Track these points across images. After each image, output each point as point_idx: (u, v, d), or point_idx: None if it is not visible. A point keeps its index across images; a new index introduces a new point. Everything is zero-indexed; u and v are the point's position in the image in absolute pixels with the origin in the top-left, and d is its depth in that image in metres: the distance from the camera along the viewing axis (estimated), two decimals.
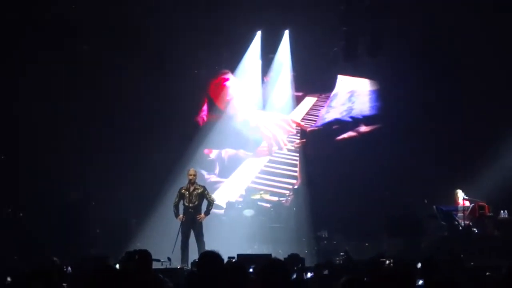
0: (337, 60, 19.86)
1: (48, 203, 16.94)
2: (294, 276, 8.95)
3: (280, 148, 20.41)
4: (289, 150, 20.50)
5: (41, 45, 17.24)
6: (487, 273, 9.00)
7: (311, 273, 10.28)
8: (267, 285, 5.66)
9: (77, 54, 17.94)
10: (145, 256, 7.82)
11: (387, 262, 9.59)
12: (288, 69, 20.33)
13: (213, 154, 20.10)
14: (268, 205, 18.69)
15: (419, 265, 8.90)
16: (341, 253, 14.04)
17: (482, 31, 17.72)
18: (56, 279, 6.99)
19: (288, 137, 20.66)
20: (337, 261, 13.69)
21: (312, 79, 20.55)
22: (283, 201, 18.95)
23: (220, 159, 20.10)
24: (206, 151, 19.96)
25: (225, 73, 20.36)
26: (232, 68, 20.23)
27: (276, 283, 5.63)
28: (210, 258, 6.32)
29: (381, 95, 20.13)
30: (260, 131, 20.42)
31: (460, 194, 16.24)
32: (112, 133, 18.34)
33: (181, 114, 19.29)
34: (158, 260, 12.29)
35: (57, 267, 9.74)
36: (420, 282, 7.38)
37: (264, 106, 20.55)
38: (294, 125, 20.65)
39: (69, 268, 10.43)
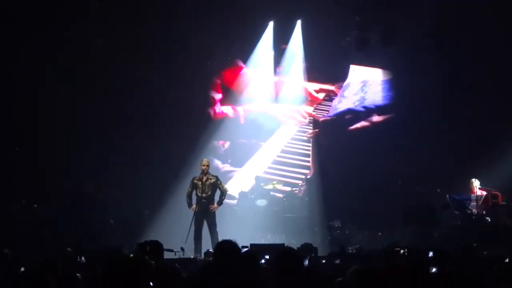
0: (349, 50, 19.76)
1: (63, 195, 17.01)
2: (306, 262, 9.16)
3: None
4: (301, 140, 20.51)
5: (47, 44, 17.42)
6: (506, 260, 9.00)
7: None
8: (281, 273, 5.76)
9: (86, 49, 18.02)
10: (156, 247, 7.87)
11: (402, 251, 9.60)
12: (301, 59, 20.26)
13: (226, 144, 20.16)
14: (281, 195, 18.68)
15: (431, 253, 8.91)
16: (357, 246, 14.01)
17: (496, 21, 17.62)
18: (62, 269, 7.13)
19: (300, 127, 20.66)
20: (350, 251, 13.68)
21: (325, 69, 20.46)
22: (296, 191, 18.92)
23: (233, 149, 20.12)
24: (219, 141, 20.01)
25: (239, 63, 20.36)
26: (245, 58, 20.20)
27: (290, 271, 5.71)
28: (227, 247, 6.37)
29: (394, 85, 20.07)
30: (277, 120, 20.45)
31: (476, 183, 16.01)
32: (125, 125, 18.38)
33: (194, 105, 19.26)
34: (172, 250, 12.28)
35: (70, 257, 10.15)
36: (434, 270, 7.38)
37: (276, 97, 20.54)
38: (306, 115, 20.63)
39: (83, 258, 10.49)
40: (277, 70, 20.55)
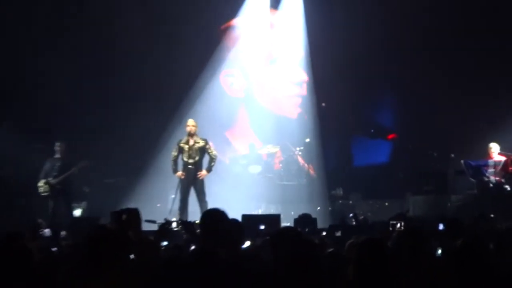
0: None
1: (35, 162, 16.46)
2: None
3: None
4: None
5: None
6: None
7: None
8: (278, 254, 5.62)
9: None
10: (134, 215, 7.48)
11: (398, 225, 9.32)
12: (301, 15, 19.46)
13: None
14: (277, 160, 18.24)
15: (441, 226, 8.79)
16: (350, 215, 13.58)
17: None
18: (26, 241, 7.21)
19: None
20: (353, 222, 12.99)
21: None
22: (294, 156, 18.29)
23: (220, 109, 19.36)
24: None
25: (232, 21, 19.69)
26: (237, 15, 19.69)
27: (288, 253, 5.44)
28: (216, 216, 6.39)
29: None
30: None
31: (495, 148, 15.37)
32: (106, 91, 17.88)
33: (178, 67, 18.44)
34: (154, 222, 11.59)
35: (34, 229, 10.02)
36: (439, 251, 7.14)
37: (271, 57, 19.95)
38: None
39: (46, 231, 10.31)
40: (273, 27, 19.83)
